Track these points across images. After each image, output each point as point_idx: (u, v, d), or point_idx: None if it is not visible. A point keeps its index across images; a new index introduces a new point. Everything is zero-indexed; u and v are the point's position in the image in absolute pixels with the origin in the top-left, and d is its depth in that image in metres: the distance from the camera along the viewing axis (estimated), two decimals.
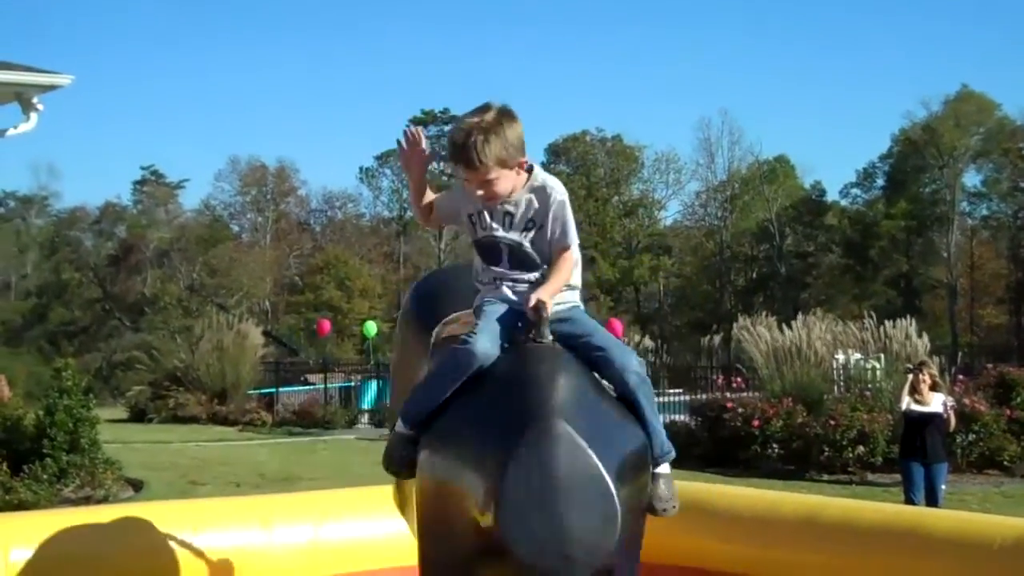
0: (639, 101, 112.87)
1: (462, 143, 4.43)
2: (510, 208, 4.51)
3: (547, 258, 4.51)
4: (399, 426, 4.55)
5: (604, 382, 4.45)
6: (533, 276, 4.52)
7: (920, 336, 23.26)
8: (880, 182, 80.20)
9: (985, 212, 79.33)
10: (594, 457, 3.94)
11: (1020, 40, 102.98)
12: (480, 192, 4.48)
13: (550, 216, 4.49)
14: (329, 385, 34.45)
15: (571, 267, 4.54)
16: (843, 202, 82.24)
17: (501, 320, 4.42)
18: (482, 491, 3.98)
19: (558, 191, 4.51)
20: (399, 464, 4.58)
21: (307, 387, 35.81)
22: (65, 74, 18.25)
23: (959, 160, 73.57)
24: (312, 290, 74.27)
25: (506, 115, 4.46)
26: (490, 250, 4.57)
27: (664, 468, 4.59)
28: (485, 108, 4.48)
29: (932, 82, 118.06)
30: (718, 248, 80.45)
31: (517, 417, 4.02)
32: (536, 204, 4.50)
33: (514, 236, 4.52)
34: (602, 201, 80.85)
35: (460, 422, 4.31)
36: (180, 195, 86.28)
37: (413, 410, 4.50)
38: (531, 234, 4.51)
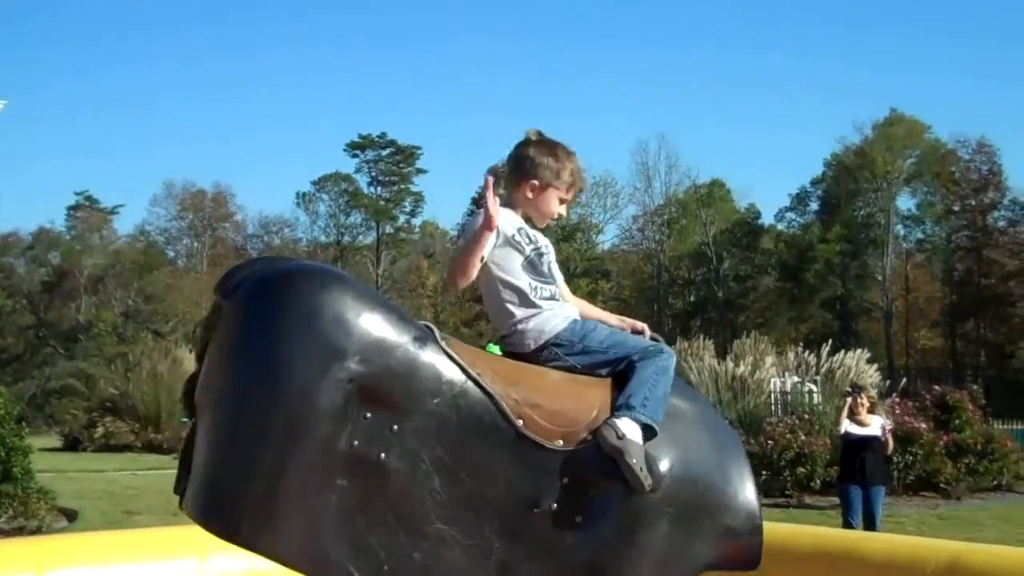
0: (577, 125, 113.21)
1: (579, 166, 4.85)
2: (541, 233, 4.74)
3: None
4: (636, 434, 4.24)
5: None
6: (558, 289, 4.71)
7: (870, 364, 23.57)
8: (814, 206, 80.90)
9: (920, 235, 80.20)
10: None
11: (948, 62, 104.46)
12: (561, 211, 4.76)
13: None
14: None
15: None
16: (779, 226, 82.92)
17: None
18: (738, 494, 4.40)
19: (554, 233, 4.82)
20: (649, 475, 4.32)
21: None
22: None
23: (892, 184, 74.32)
24: None
25: None
26: (539, 265, 4.62)
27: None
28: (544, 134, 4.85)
29: (866, 105, 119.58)
30: (656, 272, 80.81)
31: (721, 425, 4.69)
32: (547, 239, 4.80)
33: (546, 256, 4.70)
34: None
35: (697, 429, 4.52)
36: (115, 220, 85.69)
37: (660, 418, 4.34)
38: (554, 262, 4.79)
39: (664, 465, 4.28)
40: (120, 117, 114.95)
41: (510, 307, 4.53)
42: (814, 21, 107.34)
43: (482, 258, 4.45)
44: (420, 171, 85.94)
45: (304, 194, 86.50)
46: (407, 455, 4.16)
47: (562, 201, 4.72)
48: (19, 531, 14.52)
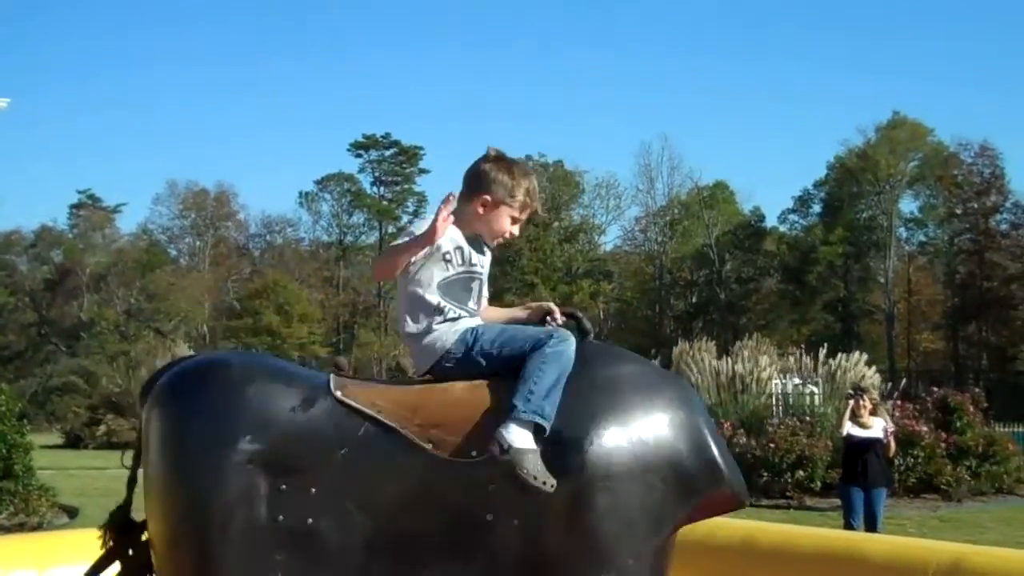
0: (580, 127, 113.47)
1: (536, 186, 4.74)
2: (483, 255, 4.67)
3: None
4: (525, 440, 4.12)
5: None
6: (477, 312, 4.64)
7: (869, 366, 23.52)
8: (817, 208, 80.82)
9: (922, 238, 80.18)
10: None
11: (951, 66, 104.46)
12: (512, 230, 4.69)
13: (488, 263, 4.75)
14: None
15: None
16: (782, 228, 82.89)
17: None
18: (686, 449, 4.29)
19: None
20: (550, 476, 4.14)
21: None
22: (1, 98, 18.11)
23: (895, 187, 74.28)
24: (251, 315, 73.78)
25: None
26: (460, 288, 4.58)
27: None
28: (503, 154, 4.76)
29: (868, 108, 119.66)
30: (658, 273, 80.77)
31: (661, 384, 4.43)
32: (488, 257, 4.73)
33: (481, 277, 4.65)
34: (543, 226, 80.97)
35: (606, 414, 4.29)
36: (117, 219, 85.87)
37: (550, 410, 4.20)
38: (485, 283, 4.72)
39: (591, 441, 4.16)
40: (123, 116, 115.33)
41: (408, 319, 4.55)
42: (818, 24, 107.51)
43: (410, 263, 4.49)
44: (423, 171, 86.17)
45: (307, 193, 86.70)
46: (333, 512, 4.18)
47: (514, 220, 4.65)
48: (20, 527, 14.53)
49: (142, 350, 34.51)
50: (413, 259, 4.46)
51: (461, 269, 4.56)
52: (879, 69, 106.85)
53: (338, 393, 4.28)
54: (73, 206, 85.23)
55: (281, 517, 4.14)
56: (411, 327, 4.52)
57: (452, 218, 4.42)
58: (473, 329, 4.49)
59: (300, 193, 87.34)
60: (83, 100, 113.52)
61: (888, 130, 74.24)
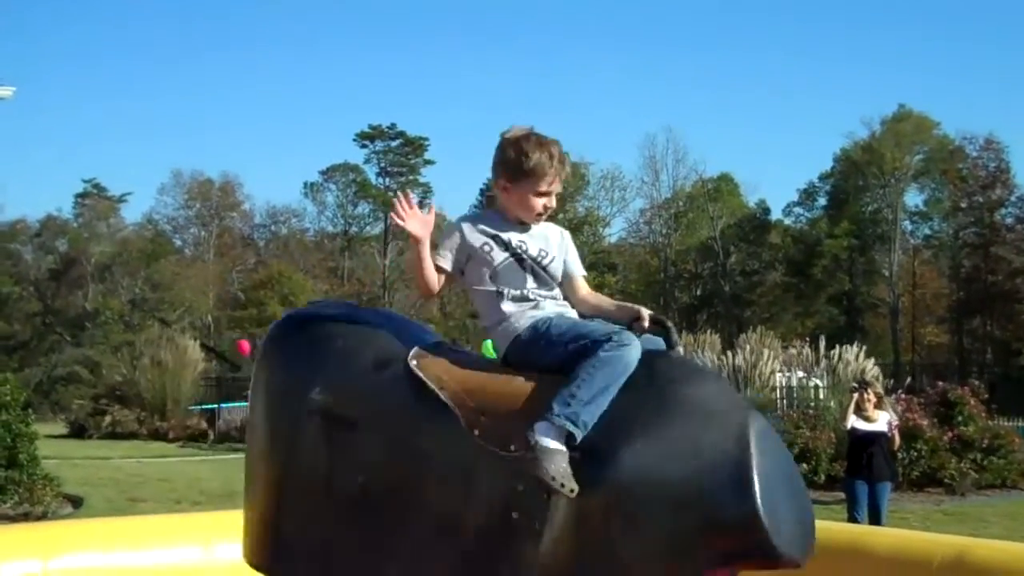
0: (586, 118, 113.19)
1: (560, 151, 4.61)
2: (525, 233, 4.68)
3: (556, 281, 4.67)
4: (554, 441, 4.07)
5: None
6: (554, 294, 4.64)
7: (868, 358, 23.48)
8: (822, 201, 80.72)
9: (927, 232, 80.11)
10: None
11: (957, 59, 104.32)
12: (552, 203, 4.65)
13: (565, 247, 4.75)
14: None
15: None
16: (786, 220, 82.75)
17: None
18: (725, 487, 3.89)
19: (562, 227, 4.83)
20: (573, 480, 4.04)
21: None
22: (6, 86, 18.11)
23: (900, 180, 74.19)
24: (255, 305, 73.70)
25: None
26: (514, 272, 4.59)
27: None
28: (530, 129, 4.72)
29: (874, 101, 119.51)
30: (662, 266, 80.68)
31: (726, 414, 4.06)
32: (548, 235, 4.73)
33: (531, 261, 4.63)
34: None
35: (648, 424, 4.09)
36: (122, 209, 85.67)
37: (588, 418, 4.09)
38: (546, 261, 4.65)
39: (625, 456, 3.99)
40: (128, 105, 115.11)
41: (481, 316, 4.64)
42: (823, 16, 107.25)
43: (440, 268, 4.59)
44: (428, 162, 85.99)
45: (312, 184, 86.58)
46: (380, 476, 4.29)
47: (540, 194, 4.61)
48: (25, 517, 14.56)
49: (145, 340, 34.41)
50: (445, 265, 4.59)
51: (504, 256, 4.57)
52: (885, 62, 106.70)
53: (413, 363, 4.36)
54: (78, 195, 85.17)
55: (337, 470, 4.29)
56: (484, 322, 4.62)
57: (409, 215, 4.59)
58: (548, 318, 4.47)
59: (305, 183, 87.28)
60: (88, 89, 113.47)
61: (894, 123, 74.04)
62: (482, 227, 4.61)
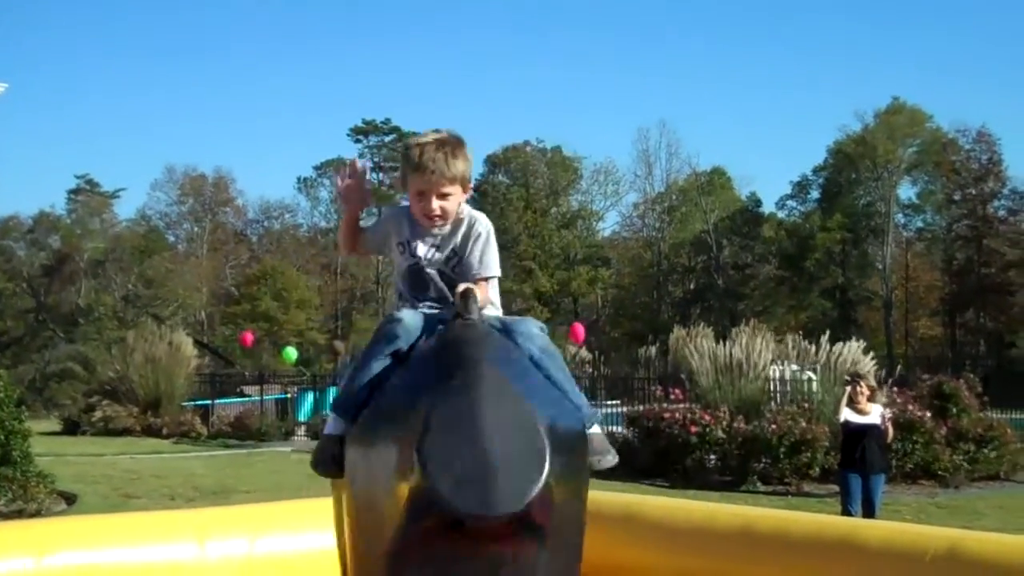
0: (578, 112, 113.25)
1: (434, 151, 4.44)
2: (439, 237, 4.60)
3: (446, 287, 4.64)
4: (328, 427, 4.53)
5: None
6: (436, 299, 4.66)
7: (866, 354, 23.49)
8: (815, 194, 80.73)
9: (920, 224, 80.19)
10: (524, 399, 3.73)
11: (949, 52, 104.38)
12: (434, 207, 4.48)
13: (475, 248, 4.58)
14: (265, 397, 34.14)
15: (491, 292, 4.67)
16: (779, 214, 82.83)
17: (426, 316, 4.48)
18: (407, 444, 3.70)
19: (483, 224, 4.63)
20: (325, 463, 4.53)
21: (243, 399, 35.51)
22: None
23: (893, 173, 74.23)
24: (249, 301, 73.67)
25: (464, 142, 4.57)
26: (418, 279, 4.64)
27: (595, 428, 4.56)
28: (442, 131, 4.57)
29: (867, 94, 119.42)
30: (656, 259, 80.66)
31: (445, 370, 3.86)
32: (460, 237, 4.59)
33: (440, 266, 4.61)
34: (541, 212, 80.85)
35: (386, 394, 4.23)
36: (115, 204, 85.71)
37: (344, 399, 4.44)
38: (453, 264, 4.60)
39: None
40: (121, 101, 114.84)
41: (394, 299, 4.84)
42: (817, 9, 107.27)
43: (359, 231, 4.84)
44: None
45: (305, 179, 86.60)
46: None
47: (419, 194, 4.49)
48: (18, 514, 14.55)
49: (138, 336, 34.33)
50: (383, 252, 4.82)
51: (411, 261, 4.62)
52: (878, 55, 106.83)
53: None
54: (71, 191, 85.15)
55: None
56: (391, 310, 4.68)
57: (348, 185, 4.75)
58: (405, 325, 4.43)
59: (299, 179, 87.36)
60: (81, 84, 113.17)
61: (887, 116, 74.10)
62: (407, 226, 4.64)
